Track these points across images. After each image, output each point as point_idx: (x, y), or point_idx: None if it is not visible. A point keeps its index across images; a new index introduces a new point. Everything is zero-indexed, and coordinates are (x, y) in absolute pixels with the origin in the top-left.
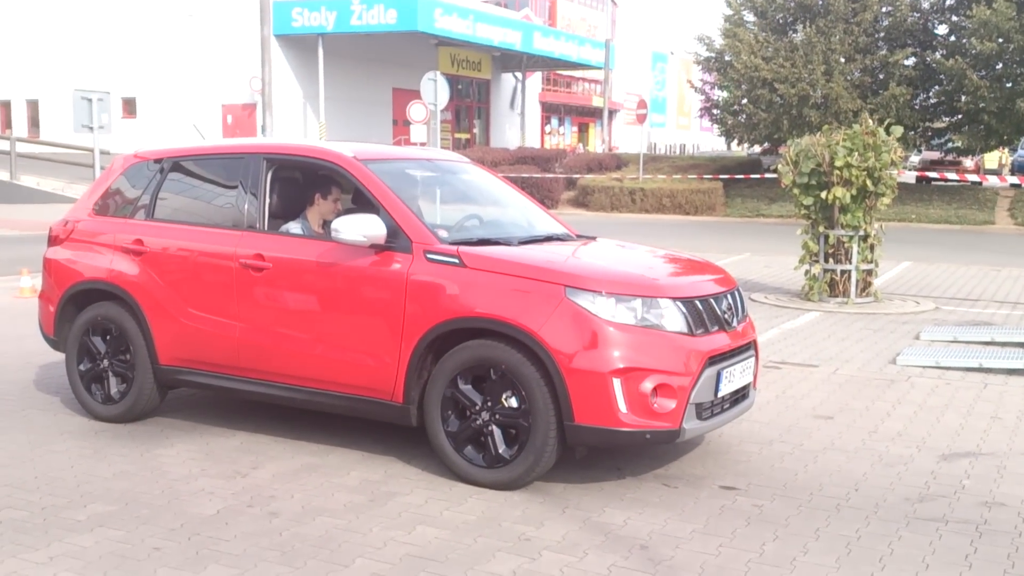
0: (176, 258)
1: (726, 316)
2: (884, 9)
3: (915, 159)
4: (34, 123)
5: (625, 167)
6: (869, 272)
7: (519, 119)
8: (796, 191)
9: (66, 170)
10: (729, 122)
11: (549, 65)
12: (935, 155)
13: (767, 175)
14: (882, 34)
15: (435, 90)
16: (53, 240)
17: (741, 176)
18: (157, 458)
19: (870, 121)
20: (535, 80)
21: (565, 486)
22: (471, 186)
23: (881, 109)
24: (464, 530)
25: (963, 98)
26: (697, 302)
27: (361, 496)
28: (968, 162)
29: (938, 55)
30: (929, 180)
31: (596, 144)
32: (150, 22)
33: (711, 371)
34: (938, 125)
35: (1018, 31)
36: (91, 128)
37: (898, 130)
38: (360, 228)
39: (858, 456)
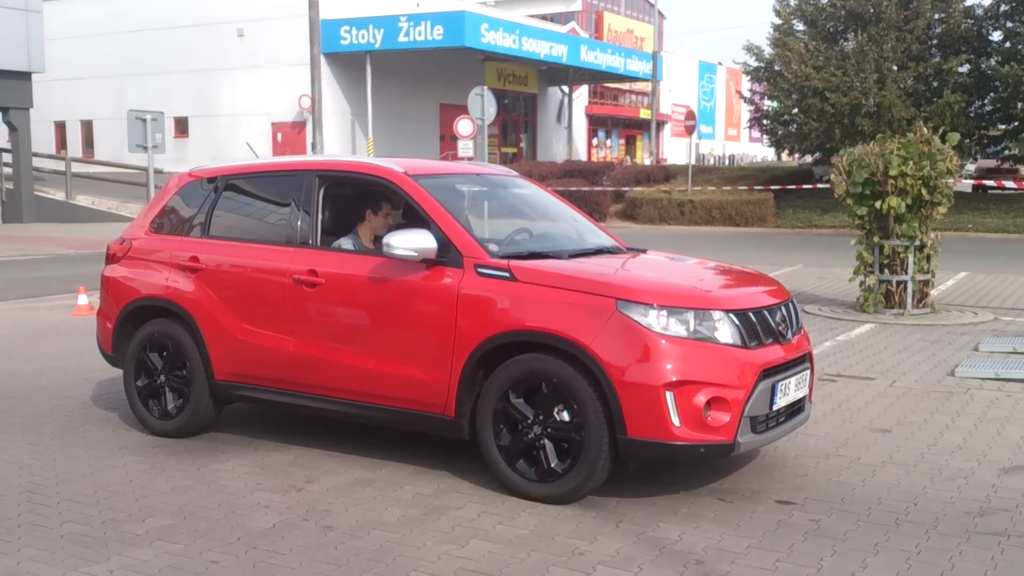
0: (231, 274)
1: (780, 328)
2: (937, 16)
3: (971, 167)
4: (88, 143)
5: (673, 179)
6: (926, 283)
7: (566, 132)
8: (850, 201)
9: (120, 189)
10: (779, 132)
11: (596, 78)
12: (991, 163)
13: (819, 185)
14: (935, 41)
15: (483, 105)
16: (111, 258)
17: (792, 187)
18: (213, 472)
19: (925, 129)
20: (582, 93)
21: (619, 500)
22: (521, 199)
23: (935, 117)
24: (517, 544)
25: (1019, 104)
26: (750, 314)
27: (415, 510)
28: None
29: (993, 61)
30: (986, 188)
31: (644, 156)
32: (201, 41)
33: (765, 384)
34: (994, 132)
35: None
36: (145, 148)
37: (954, 137)
38: (411, 242)
39: (917, 470)
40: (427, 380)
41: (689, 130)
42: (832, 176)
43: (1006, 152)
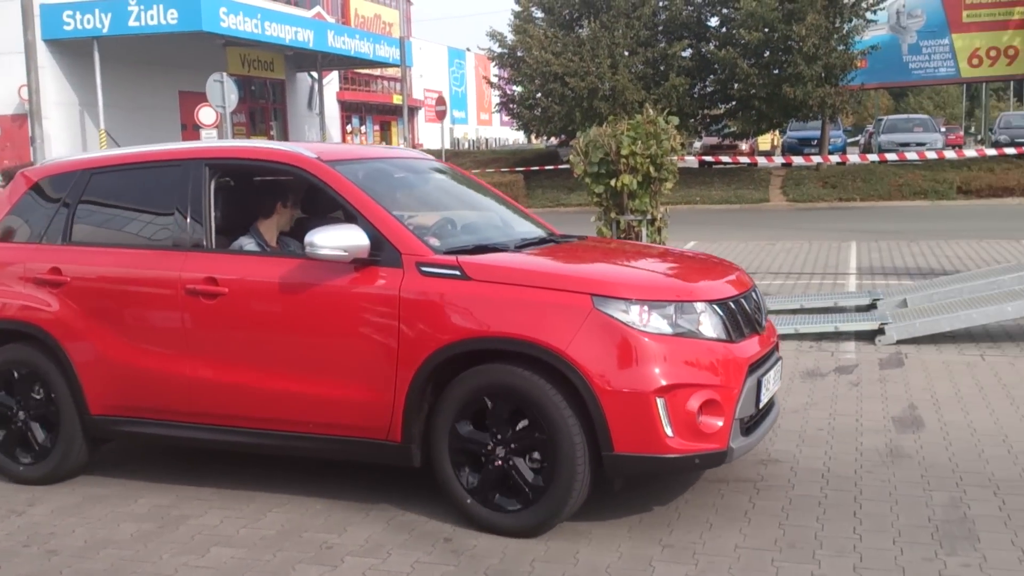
0: (103, 287)
1: (756, 317)
2: (661, 3)
3: (698, 145)
4: None
5: None
6: None
7: (318, 119)
8: (588, 180)
9: None
10: (526, 116)
11: (345, 64)
12: (714, 140)
13: (563, 166)
14: (661, 27)
15: (223, 92)
16: None
17: (538, 168)
18: None
19: (651, 111)
20: (332, 79)
21: (370, 489)
22: (440, 186)
23: (664, 99)
24: (263, 546)
25: (735, 86)
26: (731, 303)
27: (150, 523)
28: (744, 145)
29: (711, 46)
30: (710, 164)
31: (399, 142)
32: None
33: (752, 380)
34: (715, 112)
35: (781, 20)
36: None
37: (674, 119)
38: (339, 240)
39: None
40: (365, 401)
41: (440, 115)
42: (571, 157)
43: (726, 130)
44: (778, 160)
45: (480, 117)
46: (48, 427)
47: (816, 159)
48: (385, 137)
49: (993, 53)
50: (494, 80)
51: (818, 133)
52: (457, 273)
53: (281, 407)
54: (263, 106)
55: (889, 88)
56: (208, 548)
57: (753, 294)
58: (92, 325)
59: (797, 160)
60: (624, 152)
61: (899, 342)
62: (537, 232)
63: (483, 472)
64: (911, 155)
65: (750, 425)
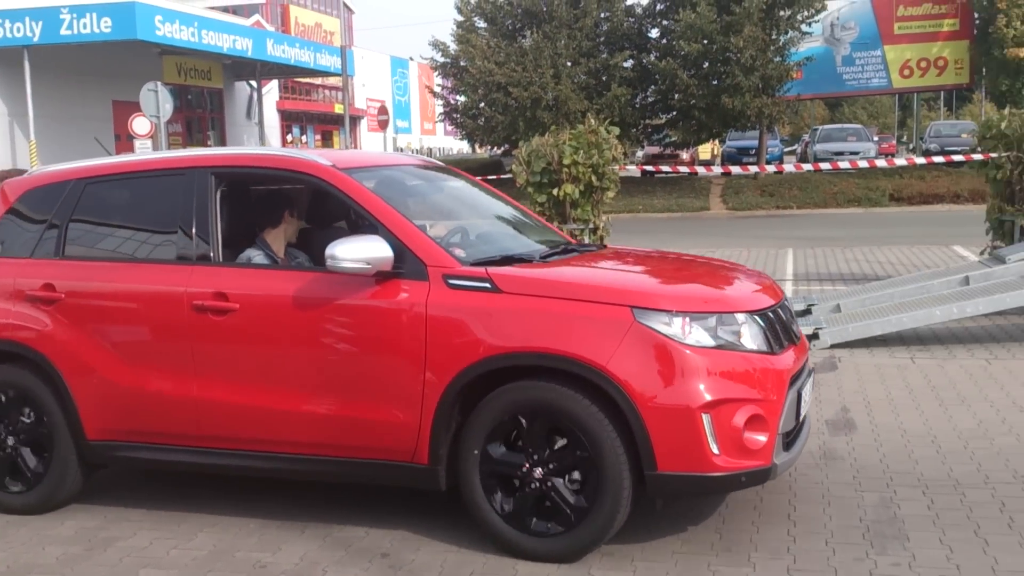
0: (102, 304)
1: (791, 327)
2: (603, 15)
3: (640, 154)
4: None
5: None
6: None
7: (256, 128)
8: (530, 189)
9: None
10: (469, 126)
11: (285, 72)
12: (656, 150)
13: (506, 176)
14: (603, 38)
15: (157, 101)
16: None
17: (482, 178)
18: None
19: (592, 121)
20: (272, 88)
21: (308, 506)
22: (449, 194)
23: (606, 109)
24: (194, 567)
25: (676, 96)
26: (769, 313)
27: (77, 546)
28: (684, 155)
29: (652, 57)
30: (651, 173)
31: None
32: None
33: (792, 393)
34: (657, 122)
35: (720, 32)
36: None
37: (615, 129)
38: (362, 252)
39: None
40: (390, 422)
41: (383, 125)
42: (514, 167)
43: (667, 139)
44: (717, 169)
45: (424, 127)
46: (40, 453)
47: (754, 168)
48: (327, 146)
49: (923, 64)
50: (437, 90)
51: (756, 143)
52: (488, 286)
53: (298, 429)
54: (200, 115)
55: (824, 99)
56: (137, 571)
57: (786, 303)
58: (89, 344)
59: (736, 169)
60: (566, 162)
61: (832, 346)
62: (556, 240)
63: (518, 495)
64: (844, 164)
65: (790, 440)
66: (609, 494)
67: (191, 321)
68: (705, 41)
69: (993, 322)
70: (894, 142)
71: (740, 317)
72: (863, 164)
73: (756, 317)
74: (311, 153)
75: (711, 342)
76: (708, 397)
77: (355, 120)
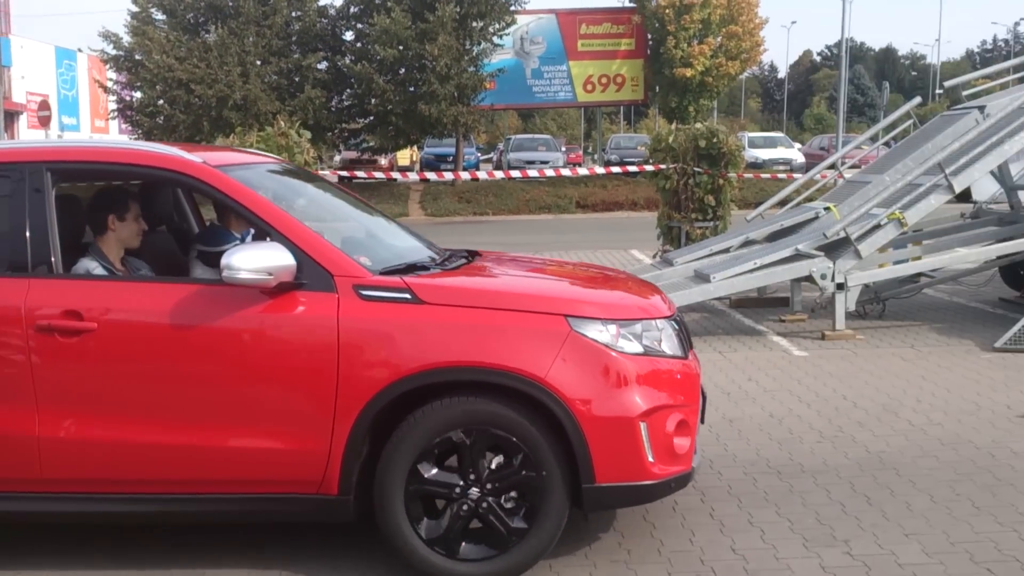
0: None
1: (687, 332)
2: (294, 14)
3: (337, 159)
4: None
5: None
6: None
7: None
8: None
9: None
10: (147, 124)
11: None
12: (354, 154)
13: None
14: (295, 38)
15: None
16: None
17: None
18: None
19: (283, 123)
20: None
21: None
22: (313, 198)
23: (299, 111)
24: None
25: (373, 101)
26: (675, 320)
27: None
28: (383, 160)
29: (348, 60)
30: (349, 179)
31: None
32: None
33: (701, 396)
34: (354, 126)
35: (415, 39)
36: None
37: (307, 132)
38: (263, 261)
39: None
40: (294, 450)
41: (45, 121)
42: None
43: (364, 144)
44: (413, 176)
45: (95, 124)
46: None
47: (450, 175)
48: None
49: (604, 80)
50: (110, 85)
51: (453, 150)
52: (407, 296)
53: (177, 465)
54: None
55: (517, 109)
56: None
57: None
58: None
59: (432, 176)
60: None
61: None
62: (435, 246)
63: (449, 519)
64: (533, 172)
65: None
66: (550, 512)
67: (34, 344)
68: (400, 47)
69: None
70: (581, 152)
71: (659, 323)
72: (550, 172)
73: (672, 322)
74: (172, 148)
75: (639, 349)
76: (644, 406)
77: (13, 115)
